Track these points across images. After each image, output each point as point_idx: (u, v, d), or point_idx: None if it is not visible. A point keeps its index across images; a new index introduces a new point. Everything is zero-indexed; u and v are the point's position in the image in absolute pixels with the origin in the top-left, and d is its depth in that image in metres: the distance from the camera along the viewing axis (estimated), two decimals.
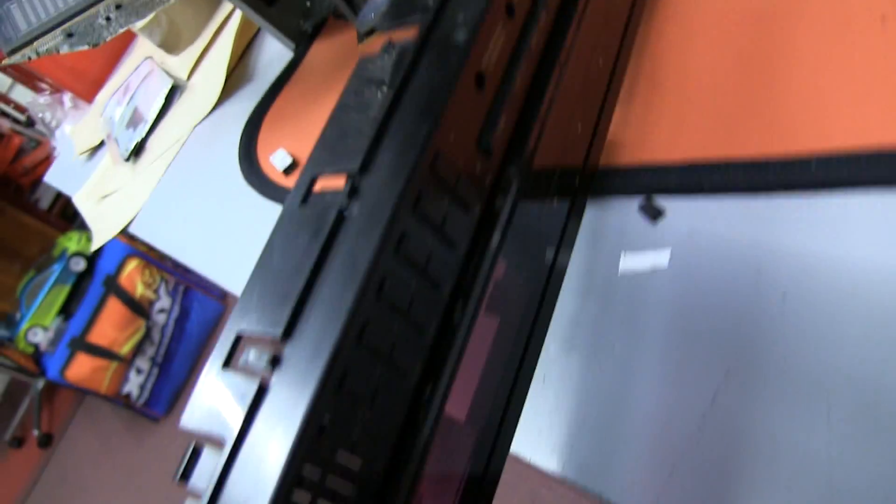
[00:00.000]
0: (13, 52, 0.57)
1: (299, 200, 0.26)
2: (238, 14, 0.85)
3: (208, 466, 0.22)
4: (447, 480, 0.27)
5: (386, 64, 0.29)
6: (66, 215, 3.20)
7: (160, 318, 2.76)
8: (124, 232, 0.80)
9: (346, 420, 0.23)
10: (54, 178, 1.23)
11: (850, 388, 0.23)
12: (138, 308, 2.71)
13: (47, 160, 3.11)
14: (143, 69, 1.04)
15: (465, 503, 0.27)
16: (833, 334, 0.25)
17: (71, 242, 2.81)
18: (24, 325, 2.65)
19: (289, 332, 0.23)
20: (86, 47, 0.66)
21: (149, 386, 2.70)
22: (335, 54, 0.63)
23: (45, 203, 3.20)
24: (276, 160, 0.56)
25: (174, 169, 0.79)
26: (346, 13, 0.54)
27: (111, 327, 2.66)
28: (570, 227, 0.31)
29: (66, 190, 1.12)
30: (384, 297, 0.24)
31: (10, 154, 3.06)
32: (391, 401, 0.24)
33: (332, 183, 0.26)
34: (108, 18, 0.58)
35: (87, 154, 1.13)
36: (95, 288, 2.67)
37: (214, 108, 0.79)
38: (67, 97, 1.45)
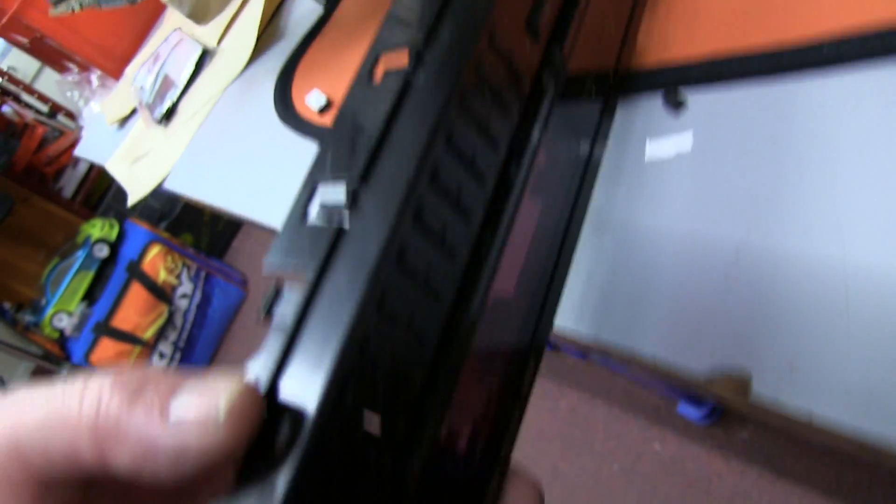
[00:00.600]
0: (58, 2, 0.60)
1: (366, 76, 0.28)
2: None
3: (291, 300, 0.23)
4: (498, 350, 0.29)
5: None
6: (90, 203, 3.25)
7: (182, 304, 2.79)
8: (159, 188, 0.83)
9: (421, 253, 0.24)
10: (85, 151, 1.26)
11: (866, 244, 0.25)
12: (161, 293, 2.74)
13: (70, 150, 3.15)
14: (173, 39, 1.06)
15: (514, 368, 0.29)
16: (847, 199, 0.26)
17: (94, 229, 2.85)
18: (50, 311, 2.69)
19: (366, 176, 0.25)
20: (124, 3, 0.68)
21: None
22: (365, 5, 0.65)
23: (68, 192, 3.24)
24: (311, 101, 0.58)
25: (207, 125, 0.81)
26: None
27: (134, 312, 2.70)
28: (604, 122, 0.33)
29: (97, 160, 1.15)
30: (452, 145, 0.26)
31: (33, 144, 3.10)
32: (458, 241, 0.26)
33: (397, 61, 0.28)
34: None
35: (117, 124, 1.15)
36: (119, 274, 2.71)
37: (246, 67, 0.81)
38: (95, 76, 1.48)
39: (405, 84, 0.27)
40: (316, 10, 0.74)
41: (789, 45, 0.30)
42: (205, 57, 0.95)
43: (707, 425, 1.47)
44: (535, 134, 0.29)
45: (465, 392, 0.28)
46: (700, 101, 0.33)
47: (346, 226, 0.24)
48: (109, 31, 1.38)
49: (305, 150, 0.58)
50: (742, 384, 0.25)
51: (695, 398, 1.43)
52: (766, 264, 0.27)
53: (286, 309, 0.23)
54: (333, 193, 0.25)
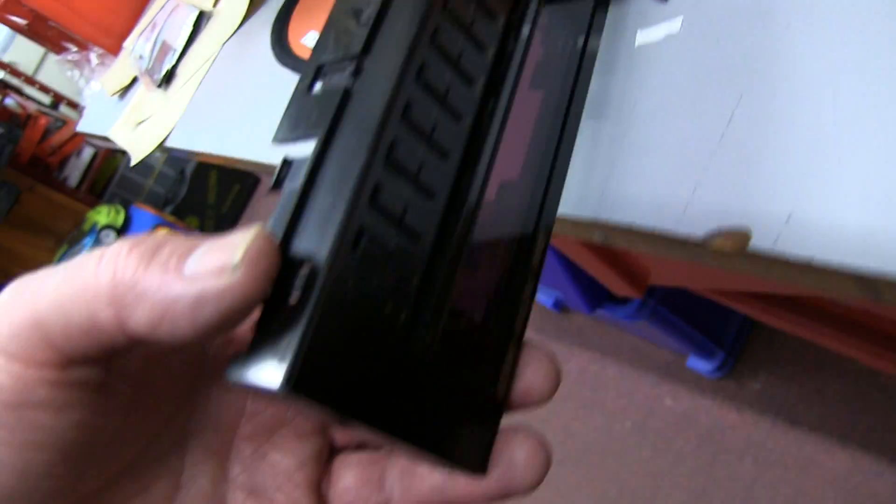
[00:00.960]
0: None
1: None
2: None
3: (301, 166, 0.23)
4: (508, 227, 0.29)
5: None
6: (95, 191, 3.26)
7: None
8: (161, 147, 0.83)
9: (425, 111, 0.25)
10: (87, 125, 1.26)
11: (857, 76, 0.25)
12: None
13: (74, 139, 3.16)
14: (169, 6, 1.06)
15: (524, 246, 0.29)
16: (839, 52, 0.27)
17: (100, 216, 2.87)
18: None
19: (367, 47, 0.25)
20: None
21: None
22: None
23: (73, 180, 3.25)
24: (307, 41, 0.58)
25: (207, 83, 0.82)
26: None
27: None
28: (598, 13, 0.33)
29: (99, 131, 1.15)
30: (450, 12, 0.27)
31: (37, 134, 3.11)
32: (462, 103, 0.27)
33: None
34: None
35: (118, 95, 1.16)
36: None
37: (241, 24, 0.82)
38: (94, 54, 1.48)
39: None
40: None
41: None
42: (201, 19, 0.95)
43: (718, 378, 1.48)
44: (527, 28, 0.30)
45: (476, 261, 0.28)
46: None
47: (353, 87, 0.24)
48: (107, 7, 1.38)
49: None
50: (741, 239, 0.25)
51: (705, 350, 1.43)
52: (759, 126, 0.27)
53: (297, 169, 0.23)
54: (338, 67, 0.26)
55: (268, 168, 0.59)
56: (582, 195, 0.32)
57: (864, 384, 1.30)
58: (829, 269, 0.24)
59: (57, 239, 2.96)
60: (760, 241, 0.25)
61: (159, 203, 3.04)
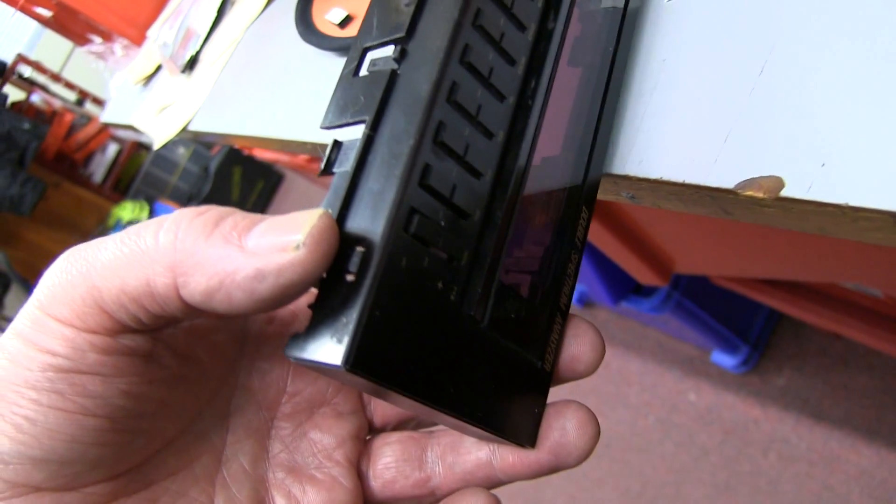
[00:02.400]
0: None
1: None
2: None
3: (351, 149, 0.24)
4: (551, 202, 0.29)
5: None
6: (119, 187, 3.29)
7: None
8: (184, 131, 0.83)
9: (471, 91, 0.25)
10: (111, 115, 1.27)
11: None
12: None
13: (99, 136, 3.19)
14: None
15: (568, 218, 0.29)
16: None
17: (125, 212, 2.89)
18: None
19: (411, 31, 0.25)
20: None
21: None
22: None
23: (98, 176, 3.29)
24: (331, 16, 0.58)
25: (230, 66, 0.82)
26: None
27: None
28: None
29: (123, 120, 1.16)
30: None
31: (62, 131, 3.15)
32: (505, 83, 0.27)
33: None
34: None
35: (142, 83, 1.16)
36: None
37: (265, 8, 0.82)
38: (118, 45, 1.49)
39: None
40: None
41: None
42: (225, 4, 0.95)
43: (742, 373, 1.46)
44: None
45: (522, 237, 0.29)
46: None
47: (398, 70, 0.25)
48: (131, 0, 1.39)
49: (328, 65, 0.58)
50: (774, 185, 0.25)
51: (729, 345, 1.42)
52: (792, 76, 0.27)
53: (348, 154, 0.24)
54: (383, 52, 0.26)
55: (291, 144, 0.59)
56: (609, 152, 0.31)
57: (891, 379, 1.28)
58: (866, 212, 0.23)
59: (82, 235, 2.99)
60: (794, 188, 0.25)
61: (183, 199, 3.06)
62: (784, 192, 0.25)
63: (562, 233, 0.29)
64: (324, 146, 0.54)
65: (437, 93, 0.24)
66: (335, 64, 0.58)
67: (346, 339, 0.20)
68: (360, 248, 0.22)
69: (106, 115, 1.29)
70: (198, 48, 0.94)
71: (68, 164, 3.19)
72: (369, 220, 0.22)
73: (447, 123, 0.24)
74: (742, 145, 0.27)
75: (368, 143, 0.24)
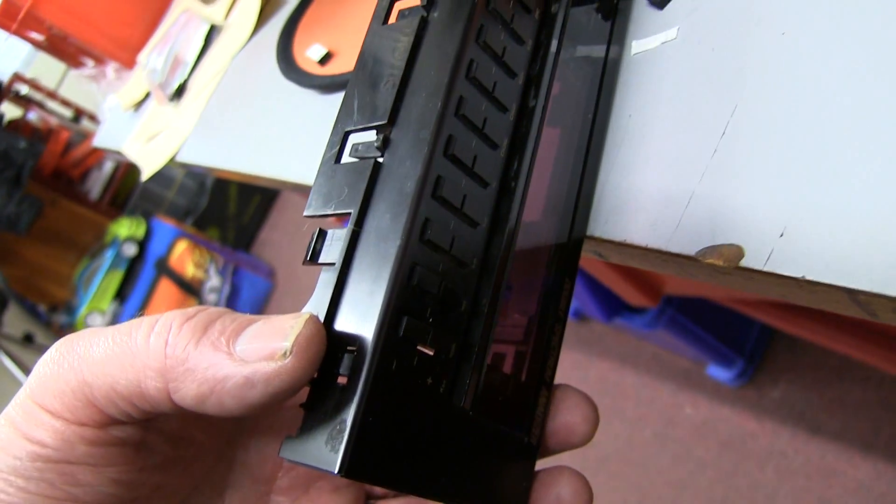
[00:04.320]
0: None
1: (382, 18, 0.29)
2: None
3: (336, 240, 0.24)
4: (534, 274, 0.30)
5: None
6: (116, 203, 3.29)
7: (211, 297, 2.83)
8: (171, 162, 0.84)
9: (455, 182, 0.26)
10: (102, 140, 1.27)
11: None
12: (190, 288, 2.77)
13: (95, 153, 3.19)
14: (181, 20, 1.07)
15: (550, 291, 0.29)
16: (827, 60, 0.26)
17: (122, 229, 2.89)
18: (83, 311, 2.74)
19: (393, 118, 0.26)
20: None
21: None
22: None
23: (94, 193, 3.28)
24: (311, 53, 0.59)
25: (216, 97, 0.82)
26: None
27: (165, 308, 2.71)
28: (618, 23, 0.33)
29: (115, 146, 1.16)
30: (472, 79, 0.27)
31: (59, 148, 3.15)
32: (489, 168, 0.27)
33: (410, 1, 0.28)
34: None
35: (133, 109, 1.17)
36: (148, 271, 2.75)
37: (251, 37, 0.82)
38: (111, 68, 1.49)
39: (421, 21, 0.27)
40: None
41: None
42: (213, 33, 0.96)
43: (738, 387, 1.46)
44: (553, 49, 0.30)
45: (507, 314, 0.29)
46: None
47: (382, 160, 0.25)
48: (123, 21, 1.39)
49: (309, 102, 0.59)
50: (734, 255, 0.25)
51: (724, 359, 1.41)
52: (753, 140, 0.27)
53: (334, 247, 0.24)
54: (365, 137, 0.26)
55: (273, 182, 0.59)
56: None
57: (886, 392, 1.28)
58: (822, 287, 0.23)
59: (79, 252, 2.98)
60: (754, 258, 0.25)
61: (180, 215, 3.06)
62: (744, 262, 0.25)
63: (546, 307, 0.30)
64: (303, 187, 0.54)
65: (423, 189, 0.24)
66: (317, 101, 0.58)
67: (341, 448, 0.21)
68: (350, 350, 0.22)
69: (98, 140, 1.29)
70: (185, 76, 0.94)
71: (65, 181, 3.19)
72: (359, 323, 0.22)
73: (433, 220, 0.24)
74: (704, 210, 0.27)
75: (354, 238, 0.24)
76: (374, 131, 0.26)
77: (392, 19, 0.29)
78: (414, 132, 0.25)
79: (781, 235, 0.24)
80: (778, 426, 1.39)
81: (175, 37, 1.05)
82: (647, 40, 0.33)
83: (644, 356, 1.65)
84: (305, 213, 0.26)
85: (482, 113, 0.27)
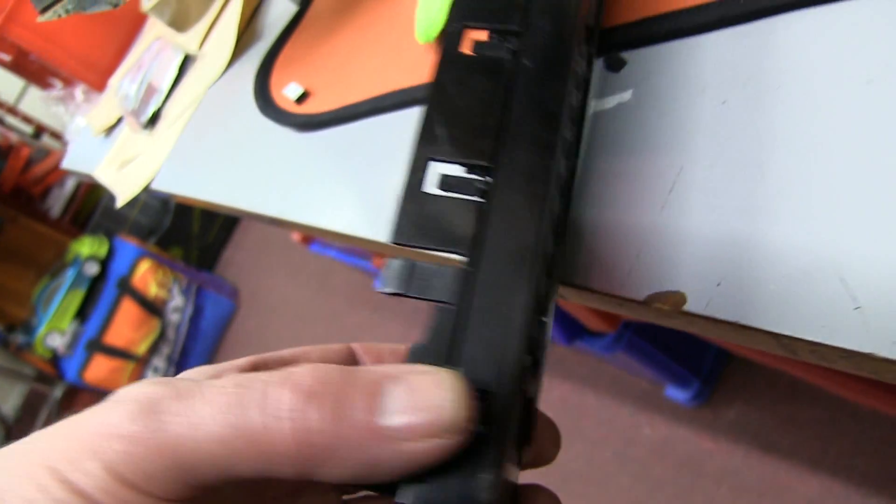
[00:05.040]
0: (45, 9, 0.62)
1: (453, 47, 0.30)
2: None
3: (438, 276, 0.24)
4: None
5: None
6: (78, 222, 3.26)
7: (174, 317, 2.81)
8: (147, 189, 0.85)
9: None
10: (71, 162, 1.28)
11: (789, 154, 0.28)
12: (152, 308, 2.76)
13: (57, 170, 3.17)
14: (155, 47, 1.09)
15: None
16: (768, 127, 0.30)
17: (83, 247, 2.87)
18: (42, 331, 2.71)
19: (494, 162, 0.26)
20: (108, 7, 0.71)
21: None
22: (337, 2, 0.68)
23: (56, 211, 3.26)
24: (288, 92, 0.61)
25: (191, 126, 0.84)
26: None
27: (127, 328, 2.71)
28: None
29: (84, 170, 1.17)
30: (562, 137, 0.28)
31: (19, 164, 3.12)
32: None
33: (482, 35, 0.30)
34: None
35: (104, 134, 1.18)
36: (110, 290, 2.73)
37: (226, 68, 0.84)
38: (79, 90, 1.50)
39: (511, 66, 0.28)
40: (290, 9, 0.77)
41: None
42: (187, 62, 0.98)
43: (694, 407, 1.51)
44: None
45: None
46: (638, 57, 0.36)
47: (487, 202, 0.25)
48: (93, 43, 1.41)
49: (286, 139, 0.61)
50: (677, 301, 0.28)
51: (681, 380, 1.46)
52: (696, 197, 0.30)
53: (431, 279, 0.24)
54: (453, 169, 0.27)
55: (250, 215, 0.61)
56: None
57: (835, 411, 1.33)
58: (752, 330, 0.26)
59: (39, 270, 2.95)
60: (695, 303, 0.28)
61: (143, 234, 3.05)
62: (686, 307, 0.28)
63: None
64: (282, 221, 0.57)
65: (538, 246, 0.24)
66: (294, 138, 0.60)
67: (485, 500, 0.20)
68: (484, 401, 0.21)
69: (67, 163, 1.30)
70: (160, 104, 0.96)
71: (25, 198, 3.16)
72: (492, 373, 0.22)
73: (540, 282, 0.24)
74: (653, 259, 0.30)
75: (469, 278, 0.24)
76: (465, 167, 0.26)
77: (469, 49, 0.29)
78: (523, 185, 0.25)
79: (719, 285, 0.28)
80: (733, 445, 1.44)
81: (148, 64, 1.07)
82: (604, 100, 0.36)
83: (604, 378, 1.69)
84: (395, 240, 0.26)
85: (563, 170, 0.28)
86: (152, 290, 2.78)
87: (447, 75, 0.29)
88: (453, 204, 0.26)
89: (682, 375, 1.44)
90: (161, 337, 2.77)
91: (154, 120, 0.96)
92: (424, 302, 0.24)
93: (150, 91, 1.00)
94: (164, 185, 0.81)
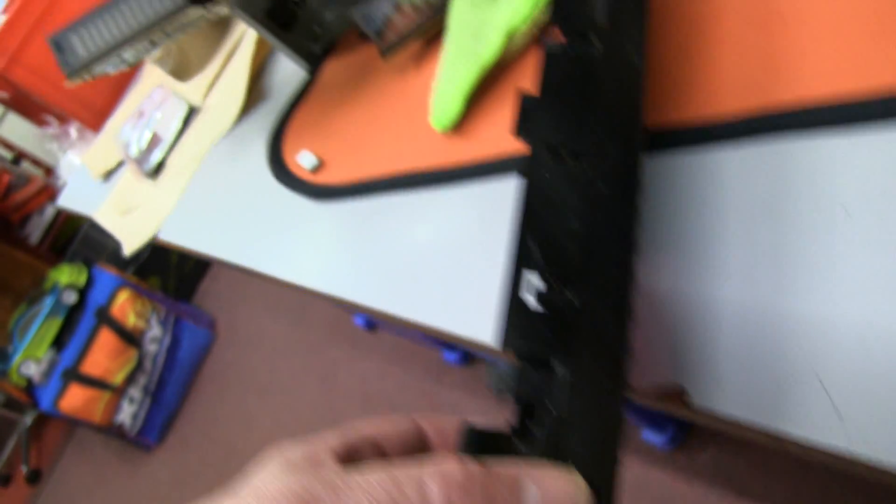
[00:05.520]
0: (73, 75, 0.66)
1: (549, 163, 0.33)
2: (250, 38, 0.94)
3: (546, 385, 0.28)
4: None
5: None
6: (56, 249, 3.26)
7: (152, 348, 2.81)
8: (153, 240, 0.88)
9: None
10: (69, 201, 1.30)
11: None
12: (130, 338, 2.76)
13: (37, 197, 3.17)
14: (157, 96, 1.12)
15: None
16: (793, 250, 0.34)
17: (62, 275, 2.86)
18: (17, 359, 2.69)
19: (582, 277, 0.30)
20: (126, 67, 0.75)
21: (141, 415, 2.74)
22: (347, 70, 0.72)
23: (35, 238, 3.25)
24: (302, 160, 0.65)
25: (198, 179, 0.87)
26: (369, 34, 0.62)
27: (104, 357, 2.70)
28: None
29: (83, 210, 1.20)
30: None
31: None
32: None
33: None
34: (153, 42, 0.67)
35: (102, 177, 1.21)
36: (87, 319, 2.72)
37: (234, 125, 0.88)
38: (73, 128, 1.53)
39: (589, 188, 0.32)
40: (297, 73, 0.80)
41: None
42: (191, 114, 1.01)
43: (670, 450, 1.55)
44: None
45: None
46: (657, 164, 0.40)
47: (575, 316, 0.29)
48: (89, 85, 1.43)
49: (299, 206, 0.64)
50: (676, 394, 0.32)
51: (657, 424, 1.50)
52: (696, 297, 0.34)
53: (542, 386, 0.28)
54: (539, 280, 0.30)
55: (260, 275, 0.65)
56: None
57: (805, 459, 1.37)
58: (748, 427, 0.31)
59: (16, 297, 2.94)
60: (694, 398, 0.32)
61: (122, 263, 3.04)
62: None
63: None
64: (295, 286, 0.60)
65: (625, 357, 0.28)
66: (308, 206, 0.63)
67: None
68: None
69: (63, 201, 1.32)
70: (164, 154, 0.99)
71: (4, 224, 3.15)
72: (597, 470, 0.26)
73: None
74: (656, 355, 0.34)
75: (573, 388, 0.27)
76: (564, 284, 0.30)
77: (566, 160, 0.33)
78: (604, 301, 0.29)
79: (717, 382, 0.32)
80: (706, 488, 1.48)
81: (150, 112, 1.10)
82: None
83: None
84: (504, 347, 0.29)
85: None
86: (130, 320, 2.78)
87: (541, 182, 0.32)
88: (554, 319, 0.29)
89: (657, 420, 1.48)
90: (138, 367, 2.76)
91: (158, 169, 0.99)
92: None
93: (154, 141, 1.03)
94: (171, 237, 0.84)
